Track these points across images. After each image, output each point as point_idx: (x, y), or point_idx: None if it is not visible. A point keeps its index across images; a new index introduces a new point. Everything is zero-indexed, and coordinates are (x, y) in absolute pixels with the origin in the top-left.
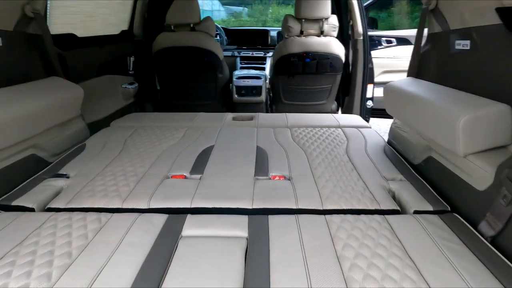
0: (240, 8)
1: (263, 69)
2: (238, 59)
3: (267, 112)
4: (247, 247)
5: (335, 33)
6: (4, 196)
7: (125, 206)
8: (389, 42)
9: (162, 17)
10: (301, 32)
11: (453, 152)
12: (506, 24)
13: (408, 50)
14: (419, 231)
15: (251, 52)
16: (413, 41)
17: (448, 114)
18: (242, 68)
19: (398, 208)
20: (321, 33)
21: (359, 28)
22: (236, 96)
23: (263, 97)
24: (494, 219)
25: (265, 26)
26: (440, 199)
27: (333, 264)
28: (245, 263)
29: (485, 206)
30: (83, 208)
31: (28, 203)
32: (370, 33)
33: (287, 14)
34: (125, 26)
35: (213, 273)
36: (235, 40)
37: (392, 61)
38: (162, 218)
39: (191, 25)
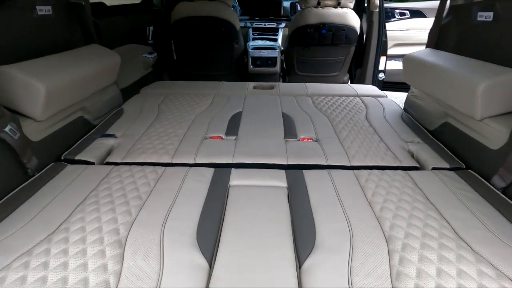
0: None
1: (275, 40)
2: (250, 30)
3: None
4: (288, 194)
5: (352, 5)
6: (66, 152)
7: (174, 161)
8: (402, 14)
9: None
10: (318, 3)
11: (470, 116)
12: None
13: (421, 22)
14: (438, 183)
15: (263, 23)
16: (427, 13)
17: (467, 81)
18: (254, 39)
19: (418, 165)
20: (338, 4)
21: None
22: (251, 66)
23: (277, 68)
24: (506, 173)
25: None
26: (456, 158)
27: (366, 206)
28: (289, 205)
29: (497, 163)
30: (138, 162)
31: (88, 157)
32: (385, 5)
33: None
34: None
35: (264, 211)
36: (248, 11)
37: (404, 34)
38: (210, 170)
39: None
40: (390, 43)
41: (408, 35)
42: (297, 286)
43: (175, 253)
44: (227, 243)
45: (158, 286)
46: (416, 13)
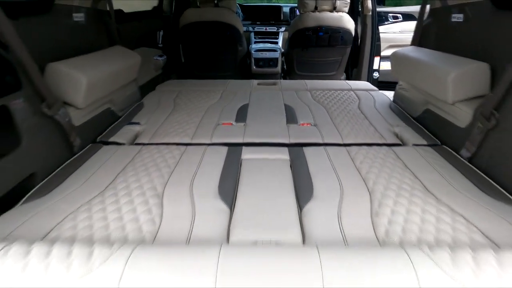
0: None
1: (276, 43)
2: (252, 34)
3: None
4: (291, 164)
5: (347, 9)
6: (100, 136)
7: (193, 141)
8: (395, 18)
9: None
10: (316, 8)
11: (444, 101)
12: (492, 1)
13: (413, 25)
14: (415, 155)
15: (264, 27)
16: None
17: (441, 72)
18: (256, 42)
19: (401, 142)
20: (334, 8)
21: (369, 4)
22: (254, 67)
23: (279, 68)
24: (471, 145)
25: (271, 3)
26: (433, 136)
27: (354, 171)
28: (291, 172)
29: (465, 138)
30: (163, 142)
31: (120, 140)
32: (378, 9)
33: None
34: (155, 3)
35: (272, 175)
36: (250, 16)
37: (397, 36)
38: (224, 148)
39: (215, 1)
40: (384, 45)
41: (401, 37)
42: (299, 223)
43: (203, 202)
44: (243, 195)
45: (192, 223)
46: (408, 17)
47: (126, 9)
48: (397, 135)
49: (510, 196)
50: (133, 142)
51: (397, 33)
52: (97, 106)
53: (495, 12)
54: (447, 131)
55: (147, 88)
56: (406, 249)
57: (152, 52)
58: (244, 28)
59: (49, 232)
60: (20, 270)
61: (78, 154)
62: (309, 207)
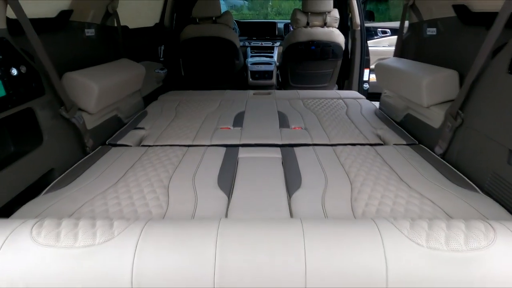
0: (240, 2)
1: (271, 57)
2: (248, 49)
3: None
4: (282, 162)
5: (337, 24)
6: (109, 139)
7: (195, 143)
8: (384, 32)
9: (189, 11)
10: (307, 24)
11: (421, 105)
12: (458, 16)
13: None
14: (394, 153)
15: (260, 42)
16: None
17: (417, 79)
18: (252, 56)
19: (382, 142)
20: (325, 24)
21: (357, 20)
22: (250, 79)
23: (273, 80)
24: (443, 142)
25: (267, 19)
26: (411, 137)
27: (338, 166)
28: (283, 168)
29: (438, 137)
30: (166, 144)
31: (127, 142)
32: (368, 24)
33: (295, 8)
34: (157, 19)
35: (266, 170)
36: (246, 32)
37: (386, 49)
38: (223, 149)
39: (213, 18)
40: (374, 58)
41: (390, 50)
42: (288, 207)
43: (204, 190)
44: (240, 186)
45: (195, 207)
46: (396, 31)
47: (131, 25)
48: (379, 137)
49: (472, 184)
50: (139, 144)
51: (386, 46)
52: (106, 112)
53: (462, 27)
54: (423, 131)
55: (149, 98)
56: (375, 219)
57: (153, 66)
58: (241, 43)
59: (70, 215)
60: (55, 237)
61: (90, 154)
62: (297, 194)
